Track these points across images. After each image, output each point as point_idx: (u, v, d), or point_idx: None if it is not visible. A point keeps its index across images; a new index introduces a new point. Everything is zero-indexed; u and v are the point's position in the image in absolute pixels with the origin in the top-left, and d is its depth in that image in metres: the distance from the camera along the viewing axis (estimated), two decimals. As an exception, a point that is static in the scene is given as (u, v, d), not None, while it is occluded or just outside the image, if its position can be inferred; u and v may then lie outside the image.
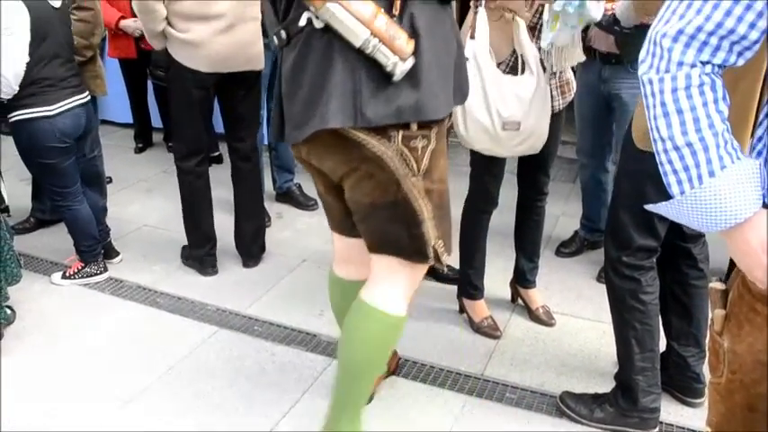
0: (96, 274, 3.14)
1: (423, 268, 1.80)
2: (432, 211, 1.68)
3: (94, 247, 3.13)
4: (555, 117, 2.40)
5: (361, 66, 1.53)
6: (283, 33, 1.62)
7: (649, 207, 1.11)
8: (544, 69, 2.27)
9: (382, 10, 1.50)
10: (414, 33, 1.53)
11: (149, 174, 4.57)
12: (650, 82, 1.05)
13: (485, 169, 2.49)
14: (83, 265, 3.14)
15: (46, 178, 3.01)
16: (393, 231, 1.69)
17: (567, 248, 3.33)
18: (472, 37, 2.22)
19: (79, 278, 3.12)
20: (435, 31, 1.59)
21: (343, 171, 1.68)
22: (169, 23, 2.79)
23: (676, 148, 1.03)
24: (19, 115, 2.77)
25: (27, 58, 2.67)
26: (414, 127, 1.59)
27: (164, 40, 2.87)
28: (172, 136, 3.21)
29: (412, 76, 1.54)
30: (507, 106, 2.21)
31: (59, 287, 3.10)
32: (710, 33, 0.99)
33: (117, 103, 5.10)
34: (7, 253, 2.63)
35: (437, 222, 1.70)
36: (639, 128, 1.85)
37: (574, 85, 2.47)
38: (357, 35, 1.48)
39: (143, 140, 5.07)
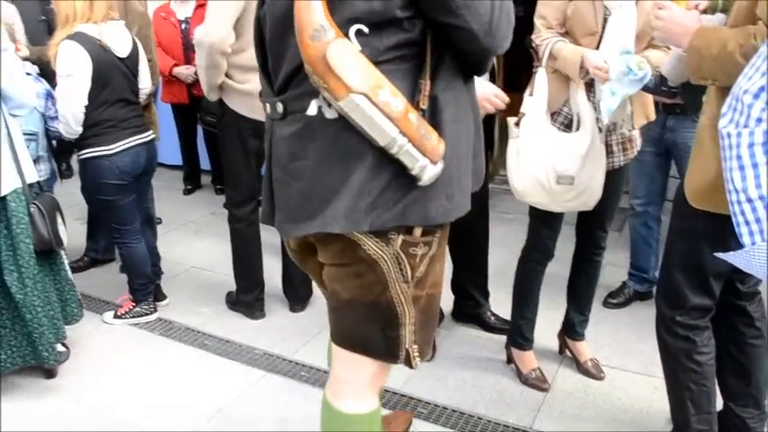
0: (146, 314, 3.21)
1: (389, 366, 1.65)
2: (414, 317, 1.51)
3: (147, 286, 3.21)
4: (615, 173, 2.41)
5: (374, 165, 1.34)
6: (280, 107, 1.43)
7: (720, 255, 1.12)
8: (600, 129, 2.29)
9: (409, 102, 1.31)
10: (436, 126, 1.36)
11: (197, 215, 4.67)
12: (728, 135, 1.08)
13: (543, 222, 2.50)
14: (134, 304, 3.21)
15: (106, 214, 3.12)
16: (366, 330, 1.52)
17: (615, 299, 3.29)
18: (531, 94, 2.28)
19: (130, 317, 3.19)
20: (459, 121, 1.43)
21: (331, 262, 1.52)
22: (227, 75, 2.89)
23: (749, 201, 1.06)
24: (84, 154, 2.94)
25: (85, 102, 2.81)
26: (417, 233, 1.44)
27: (220, 92, 2.96)
28: (224, 183, 3.29)
29: None
30: (561, 161, 2.24)
31: (111, 326, 3.17)
32: None
33: (167, 145, 5.22)
34: (68, 293, 2.72)
35: (418, 327, 1.53)
36: (692, 186, 1.84)
37: (638, 143, 2.47)
38: (384, 133, 1.28)
39: (192, 182, 5.21)
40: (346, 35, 1.26)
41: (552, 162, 2.24)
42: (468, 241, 2.91)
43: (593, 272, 2.67)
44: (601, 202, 2.36)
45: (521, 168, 2.29)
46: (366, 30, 1.28)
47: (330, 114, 1.34)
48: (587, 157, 2.25)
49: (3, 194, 2.40)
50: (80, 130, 2.85)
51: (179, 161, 5.31)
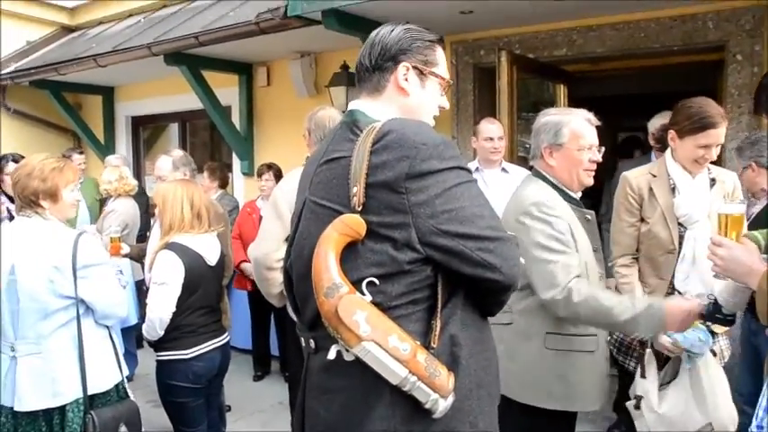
0: None
1: None
2: None
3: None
4: None
5: (395, 400, 1.43)
6: (312, 343, 1.57)
7: None
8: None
9: (419, 343, 1.41)
10: (454, 362, 1.46)
11: (266, 405, 4.69)
12: None
13: None
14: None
15: (174, 415, 3.13)
16: None
17: None
18: (643, 376, 2.36)
19: None
20: (476, 355, 1.52)
21: None
22: None
23: None
24: (161, 356, 3.03)
25: (174, 309, 2.94)
26: None
27: (282, 299, 3.01)
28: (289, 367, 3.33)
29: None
30: (695, 422, 2.29)
31: None
32: None
33: (240, 329, 5.35)
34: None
35: None
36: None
37: (726, 354, 2.48)
38: (395, 374, 1.38)
39: (262, 368, 5.29)
40: (359, 288, 1.40)
41: (686, 425, 2.28)
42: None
43: None
44: None
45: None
46: (377, 281, 1.42)
47: (348, 357, 1.45)
48: (717, 405, 2.29)
49: (62, 404, 2.46)
50: (162, 333, 2.97)
51: (249, 344, 5.41)
